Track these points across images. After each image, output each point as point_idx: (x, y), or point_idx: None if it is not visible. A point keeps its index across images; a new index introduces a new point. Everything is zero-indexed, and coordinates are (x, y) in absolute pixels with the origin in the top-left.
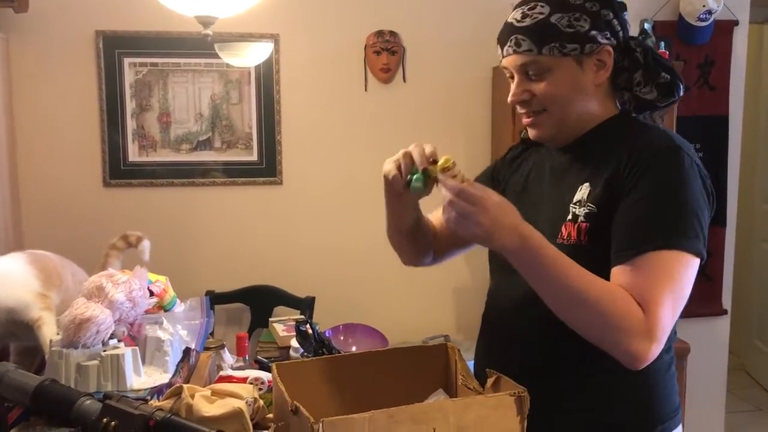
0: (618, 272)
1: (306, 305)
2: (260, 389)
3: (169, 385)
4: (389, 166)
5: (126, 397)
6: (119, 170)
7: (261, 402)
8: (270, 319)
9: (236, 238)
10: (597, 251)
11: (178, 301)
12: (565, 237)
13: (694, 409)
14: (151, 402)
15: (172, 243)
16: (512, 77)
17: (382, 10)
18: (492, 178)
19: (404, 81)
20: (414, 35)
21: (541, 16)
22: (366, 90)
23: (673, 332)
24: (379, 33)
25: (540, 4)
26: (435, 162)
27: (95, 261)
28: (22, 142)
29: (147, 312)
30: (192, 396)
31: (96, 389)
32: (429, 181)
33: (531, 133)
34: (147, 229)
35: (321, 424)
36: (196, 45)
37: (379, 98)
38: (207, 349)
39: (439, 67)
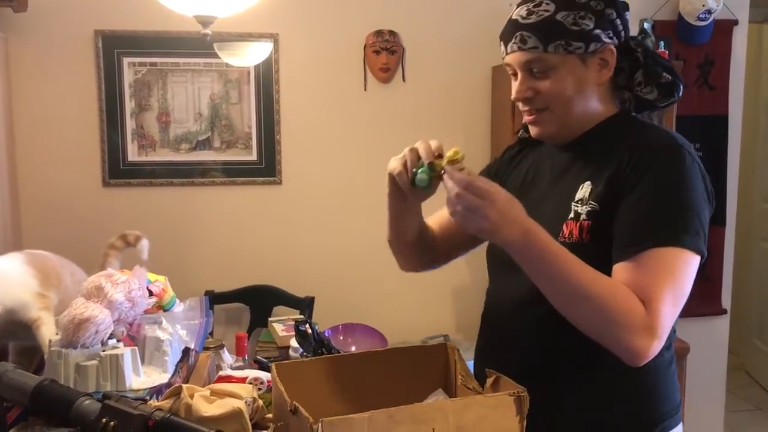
0: (619, 269)
1: (305, 305)
2: (259, 389)
3: (169, 385)
4: (395, 164)
5: (125, 397)
6: (118, 170)
7: (260, 402)
8: (269, 319)
9: (235, 238)
10: (599, 249)
11: (178, 300)
12: (566, 235)
13: (693, 409)
14: (150, 402)
15: (172, 243)
16: (515, 74)
17: (381, 9)
18: (490, 177)
19: (404, 81)
20: (413, 35)
21: (547, 14)
22: (365, 90)
23: (673, 331)
24: (379, 33)
25: (545, 1)
26: (441, 156)
27: (94, 261)
28: (22, 141)
29: (146, 312)
30: (191, 396)
31: (95, 389)
32: (434, 176)
33: (533, 130)
34: (146, 228)
35: (320, 424)
36: (196, 45)
37: (379, 98)
38: (206, 348)
39: (438, 66)
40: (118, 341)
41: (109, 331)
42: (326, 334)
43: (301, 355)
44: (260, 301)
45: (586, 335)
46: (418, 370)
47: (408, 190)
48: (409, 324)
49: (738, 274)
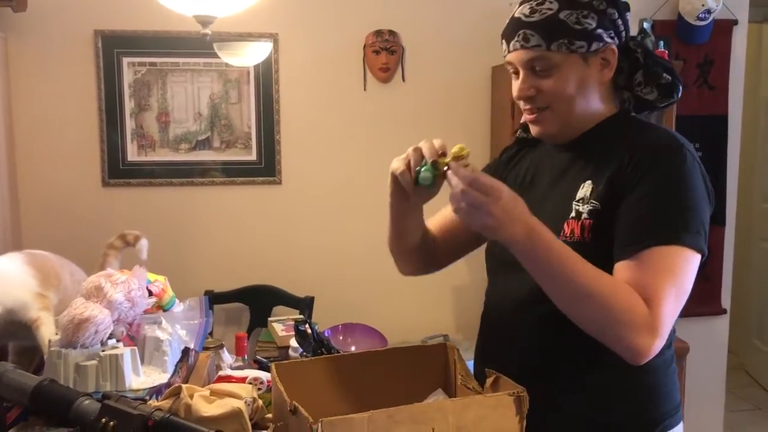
0: (621, 267)
1: (305, 305)
2: (259, 389)
3: (168, 385)
4: (397, 164)
5: (125, 397)
6: (118, 170)
7: (260, 402)
8: (269, 319)
9: (235, 238)
10: (600, 248)
11: (177, 300)
12: (567, 234)
13: (693, 409)
14: (150, 402)
15: (171, 243)
16: (516, 73)
17: (381, 9)
18: None
19: (403, 80)
20: (413, 35)
21: (550, 12)
22: (365, 89)
23: (672, 330)
24: (378, 32)
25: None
26: (444, 155)
27: (94, 261)
28: (21, 141)
29: (146, 312)
30: (191, 396)
31: (95, 389)
32: (438, 174)
33: (534, 129)
34: (146, 228)
35: (320, 424)
36: (195, 44)
37: (379, 98)
38: (206, 348)
39: (438, 66)
40: (117, 341)
41: (109, 331)
42: (326, 334)
43: (301, 355)
44: (260, 301)
45: (586, 335)
46: (418, 370)
47: (411, 189)
48: (409, 324)
49: (738, 274)
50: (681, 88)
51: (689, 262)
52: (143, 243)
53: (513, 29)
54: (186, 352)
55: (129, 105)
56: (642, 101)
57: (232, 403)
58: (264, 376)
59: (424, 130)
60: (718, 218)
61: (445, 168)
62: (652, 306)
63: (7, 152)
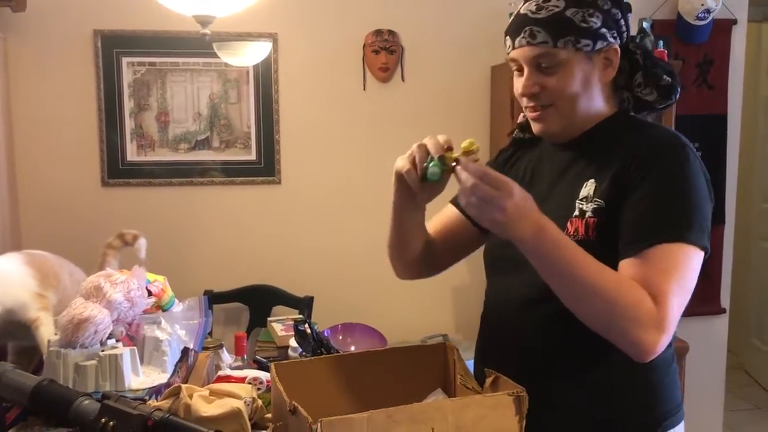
0: (626, 265)
1: (304, 305)
2: (259, 389)
3: (168, 385)
4: (402, 162)
5: (124, 397)
6: (117, 170)
7: (259, 402)
8: (268, 319)
9: (235, 238)
10: (604, 246)
11: (177, 300)
12: (571, 233)
13: (692, 408)
14: (150, 402)
15: (171, 242)
16: (519, 70)
17: (380, 9)
18: None
19: (403, 80)
20: (413, 34)
21: (557, 9)
22: (364, 89)
23: None
24: (378, 32)
25: None
26: (450, 149)
27: (93, 261)
28: (20, 141)
29: (145, 312)
30: (190, 396)
31: (94, 389)
32: (445, 169)
33: (536, 127)
34: (145, 228)
35: (319, 424)
36: (195, 44)
37: (378, 97)
38: (205, 348)
39: (437, 66)
40: (117, 341)
41: (108, 331)
42: (325, 334)
43: (301, 354)
44: (259, 301)
45: (593, 333)
46: (417, 370)
47: (417, 187)
48: (409, 324)
49: (737, 274)
50: (679, 89)
51: (694, 260)
52: (142, 242)
53: (519, 25)
54: (185, 352)
55: (128, 105)
56: (641, 102)
57: (231, 403)
58: (263, 376)
59: (423, 129)
60: (718, 217)
61: (454, 163)
62: (659, 302)
63: (6, 152)
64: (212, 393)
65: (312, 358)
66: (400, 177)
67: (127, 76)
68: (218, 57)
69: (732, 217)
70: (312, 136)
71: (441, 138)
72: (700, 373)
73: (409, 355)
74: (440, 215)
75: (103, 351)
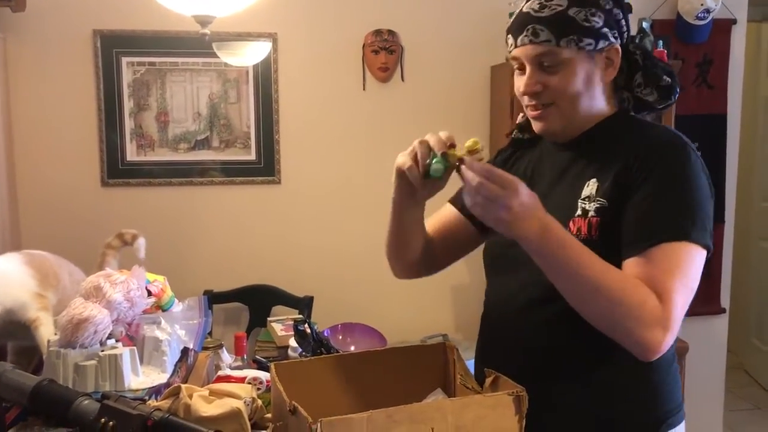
0: (630, 264)
1: (304, 305)
2: (258, 389)
3: (167, 385)
4: (403, 158)
5: (124, 397)
6: (117, 170)
7: (259, 402)
8: (268, 319)
9: (234, 238)
10: (607, 245)
11: (176, 300)
12: (574, 232)
13: (692, 408)
14: (149, 402)
15: (170, 242)
16: (520, 68)
17: (380, 9)
18: None
19: (402, 80)
20: (412, 34)
21: (560, 8)
22: (364, 89)
23: None
24: (378, 32)
25: None
26: (453, 146)
27: (93, 261)
28: (20, 141)
29: (145, 312)
30: (190, 396)
31: (94, 389)
32: (448, 166)
33: (537, 126)
34: (145, 228)
35: (319, 424)
36: (194, 44)
37: (378, 97)
38: (205, 348)
39: (437, 66)
40: (116, 341)
41: (108, 331)
42: (325, 334)
43: (300, 354)
44: (259, 301)
45: (596, 333)
46: (417, 370)
47: (419, 183)
48: (408, 323)
49: (737, 274)
50: (678, 90)
51: (697, 258)
52: (141, 242)
53: (521, 24)
54: (185, 352)
55: (128, 105)
56: (641, 102)
57: (231, 403)
58: (263, 376)
59: (423, 129)
60: (717, 216)
61: (457, 162)
62: (664, 301)
63: (6, 152)
64: (212, 393)
65: (312, 358)
66: (401, 173)
67: (126, 76)
68: (218, 57)
69: (732, 216)
70: (312, 136)
71: (443, 134)
72: (700, 373)
73: (409, 355)
74: (438, 214)
75: (102, 351)
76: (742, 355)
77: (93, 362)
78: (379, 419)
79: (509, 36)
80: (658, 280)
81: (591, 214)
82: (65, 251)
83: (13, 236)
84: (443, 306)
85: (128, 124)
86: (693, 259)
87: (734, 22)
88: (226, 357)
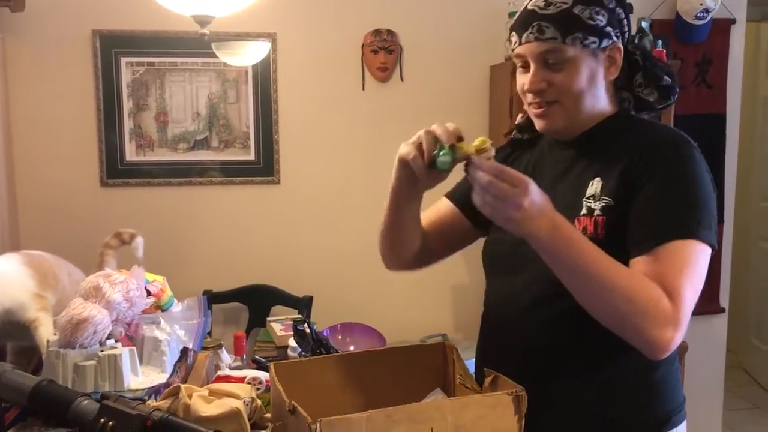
0: (638, 262)
1: (304, 304)
2: (258, 389)
3: (167, 385)
4: (408, 148)
5: (123, 398)
6: (116, 170)
7: (258, 402)
8: (268, 319)
9: (234, 238)
10: (613, 244)
11: (176, 300)
12: (579, 231)
13: (692, 407)
14: (149, 402)
15: (170, 242)
16: (524, 66)
17: (379, 9)
18: None
19: (402, 80)
20: (411, 34)
21: (565, 6)
22: (363, 89)
23: None
24: (377, 32)
25: None
26: (461, 139)
27: (92, 261)
28: (19, 142)
29: (144, 312)
30: (189, 396)
31: (93, 389)
32: (455, 160)
33: (539, 124)
34: (144, 228)
35: (318, 424)
36: (193, 44)
37: (377, 97)
38: (204, 348)
39: (436, 66)
40: (116, 341)
41: (107, 332)
42: (324, 334)
43: (300, 354)
44: (258, 301)
45: (596, 334)
46: (417, 370)
47: (423, 174)
48: (408, 323)
49: (736, 273)
50: (678, 90)
51: (704, 256)
52: (139, 241)
53: (526, 21)
54: (185, 352)
55: (127, 105)
56: (642, 102)
57: (230, 403)
58: (263, 375)
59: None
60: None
61: (465, 161)
62: (674, 300)
63: (5, 152)
64: (211, 393)
65: (311, 358)
66: (405, 163)
67: (125, 76)
68: (217, 57)
69: (731, 216)
70: (311, 136)
71: (451, 126)
72: (700, 373)
73: (409, 354)
74: (435, 208)
75: (102, 351)
76: (742, 355)
77: (92, 362)
78: (378, 419)
79: (513, 33)
80: (666, 279)
81: (597, 212)
82: (64, 251)
83: (12, 236)
84: (443, 306)
85: (127, 124)
86: (700, 257)
87: (733, 21)
88: (226, 357)
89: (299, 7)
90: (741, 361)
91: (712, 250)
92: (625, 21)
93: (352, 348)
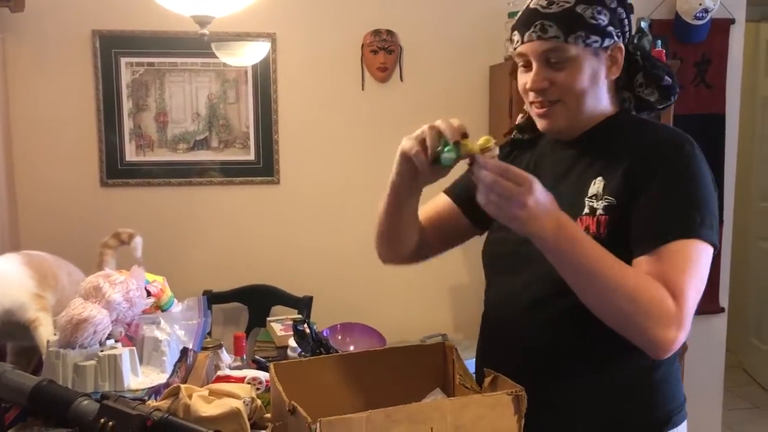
0: (642, 262)
1: (303, 304)
2: (258, 389)
3: (167, 385)
4: (410, 143)
5: (123, 398)
6: (116, 170)
7: (258, 402)
8: (268, 319)
9: (233, 238)
10: (615, 243)
11: (176, 300)
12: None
13: (691, 407)
14: (149, 402)
15: (169, 243)
16: (526, 65)
17: (379, 9)
18: None
19: (401, 80)
20: (411, 34)
21: (568, 5)
22: (363, 89)
23: None
24: (376, 32)
25: None
26: (466, 135)
27: (92, 261)
28: (19, 142)
29: (144, 312)
30: (189, 396)
31: (93, 389)
32: (459, 157)
33: (541, 123)
34: (144, 228)
35: (318, 424)
36: (193, 44)
37: (377, 97)
38: (204, 348)
39: (436, 66)
40: (116, 341)
41: (107, 332)
42: (324, 334)
43: (300, 354)
44: (258, 301)
45: (597, 333)
46: (416, 370)
47: (426, 169)
48: (408, 323)
49: (735, 273)
50: (678, 90)
51: (706, 255)
52: (138, 241)
53: (529, 20)
54: (184, 352)
55: (127, 105)
56: (642, 102)
57: (230, 403)
58: (263, 376)
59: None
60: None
61: (469, 160)
62: (677, 299)
63: (4, 153)
64: (211, 393)
65: (311, 358)
66: (407, 158)
67: (125, 77)
68: (217, 57)
69: (730, 216)
70: (311, 136)
71: (455, 122)
72: (699, 373)
73: (408, 354)
74: (432, 203)
75: (102, 351)
76: (741, 354)
77: (92, 362)
78: (378, 419)
79: (515, 32)
80: (669, 279)
81: (599, 212)
82: (64, 251)
83: (12, 237)
84: (443, 306)
85: (127, 124)
86: (702, 256)
87: (732, 21)
88: (226, 357)
89: (299, 7)
90: (740, 360)
91: (714, 250)
92: (626, 21)
93: (351, 348)
